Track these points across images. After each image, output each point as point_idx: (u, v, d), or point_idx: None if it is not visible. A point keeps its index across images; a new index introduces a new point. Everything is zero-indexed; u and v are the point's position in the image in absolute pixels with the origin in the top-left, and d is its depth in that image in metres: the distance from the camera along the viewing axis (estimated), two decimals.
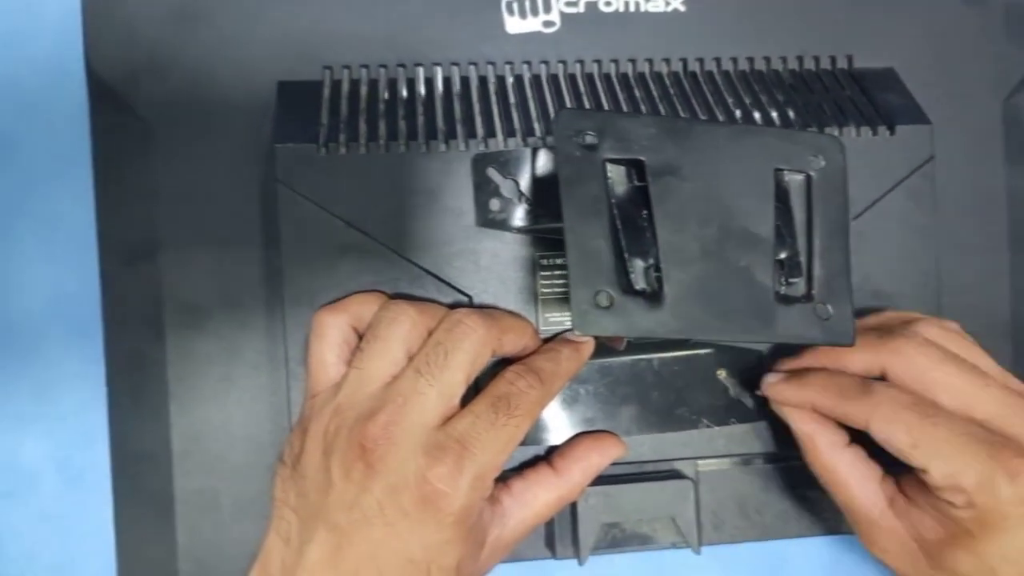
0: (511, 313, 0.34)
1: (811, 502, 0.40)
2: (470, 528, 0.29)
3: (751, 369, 0.35)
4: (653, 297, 0.27)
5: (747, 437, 0.36)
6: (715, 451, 0.36)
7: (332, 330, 0.32)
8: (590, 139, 0.27)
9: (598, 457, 0.33)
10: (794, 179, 0.29)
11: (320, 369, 0.32)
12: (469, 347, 0.30)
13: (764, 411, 0.35)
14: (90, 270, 0.37)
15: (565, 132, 0.27)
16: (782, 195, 0.28)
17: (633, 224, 0.27)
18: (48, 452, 0.37)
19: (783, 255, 0.28)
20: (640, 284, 0.26)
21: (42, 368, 0.37)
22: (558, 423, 0.35)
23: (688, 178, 0.27)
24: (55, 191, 0.37)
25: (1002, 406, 0.29)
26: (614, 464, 0.35)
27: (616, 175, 0.27)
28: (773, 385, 0.33)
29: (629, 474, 0.36)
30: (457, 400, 0.30)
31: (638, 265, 0.27)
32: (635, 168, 0.27)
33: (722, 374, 0.35)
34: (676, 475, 0.37)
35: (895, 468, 0.31)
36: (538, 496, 0.32)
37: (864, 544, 0.32)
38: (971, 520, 0.29)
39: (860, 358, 0.31)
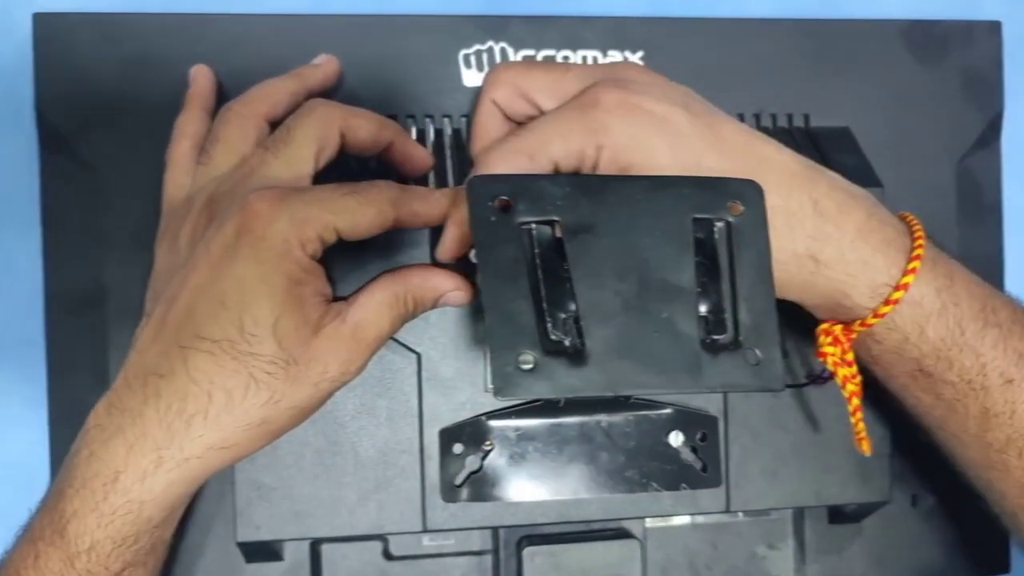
0: (375, 114, 0.34)
1: (760, 559, 0.40)
2: (289, 280, 0.28)
3: (705, 434, 0.35)
4: (577, 355, 0.27)
5: (694, 496, 0.36)
6: (662, 511, 0.36)
7: (181, 158, 0.34)
8: (504, 203, 0.27)
9: (438, 273, 0.32)
10: (715, 227, 0.29)
11: (173, 190, 0.33)
12: (312, 122, 0.31)
13: (716, 477, 0.35)
14: (35, 317, 0.36)
15: (479, 198, 0.27)
16: (703, 245, 0.29)
17: (556, 282, 0.27)
18: None
19: (706, 309, 0.28)
20: (565, 342, 0.27)
21: None
22: (506, 479, 0.35)
23: (604, 234, 0.27)
24: (2, 234, 0.37)
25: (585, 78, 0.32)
26: (561, 523, 0.35)
27: (540, 233, 0.27)
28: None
29: (576, 532, 0.36)
30: (306, 176, 0.31)
31: (561, 324, 0.27)
32: (553, 228, 0.28)
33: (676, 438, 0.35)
34: (623, 534, 0.37)
35: None
36: (373, 294, 0.31)
37: None
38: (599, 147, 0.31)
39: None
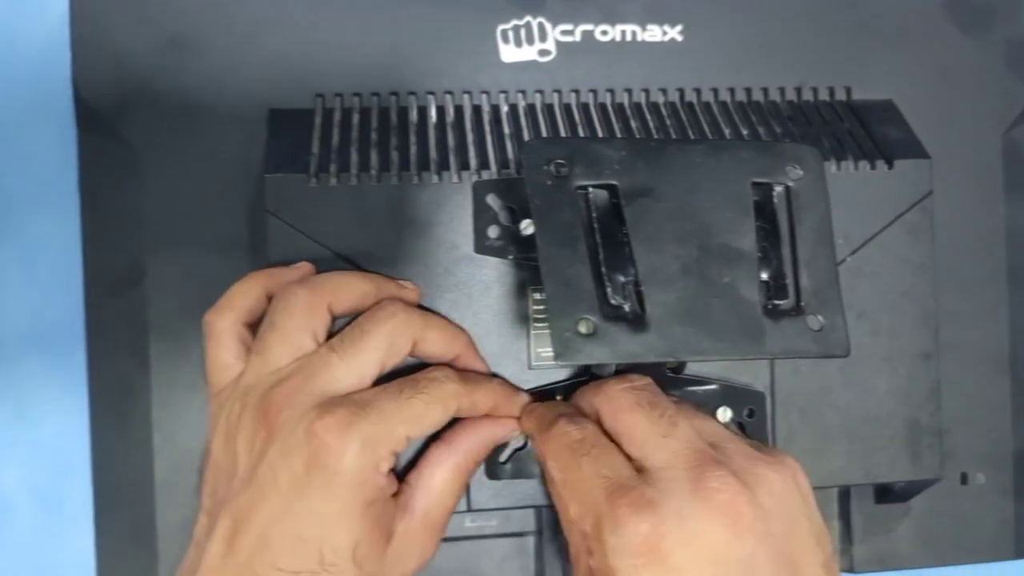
0: (449, 322, 0.33)
1: None
2: (367, 505, 0.28)
3: (753, 410, 0.35)
4: (637, 320, 0.26)
5: None
6: None
7: (225, 332, 0.31)
8: (561, 167, 0.27)
9: (489, 424, 0.32)
10: (774, 191, 0.28)
11: (220, 371, 0.31)
12: (387, 329, 0.29)
13: None
14: (74, 295, 0.36)
15: (535, 162, 0.27)
16: (763, 209, 0.28)
17: (615, 247, 0.26)
18: (26, 481, 0.37)
19: (767, 275, 0.27)
20: (624, 308, 0.26)
21: (22, 394, 0.37)
22: None
23: (663, 198, 0.27)
24: (40, 215, 0.37)
25: (672, 457, 0.27)
26: None
27: (597, 197, 0.27)
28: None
29: None
30: (368, 381, 0.29)
31: (620, 289, 0.26)
32: (610, 191, 0.27)
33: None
34: None
35: None
36: (434, 475, 0.30)
37: None
38: (596, 568, 0.27)
39: (581, 398, 0.31)
